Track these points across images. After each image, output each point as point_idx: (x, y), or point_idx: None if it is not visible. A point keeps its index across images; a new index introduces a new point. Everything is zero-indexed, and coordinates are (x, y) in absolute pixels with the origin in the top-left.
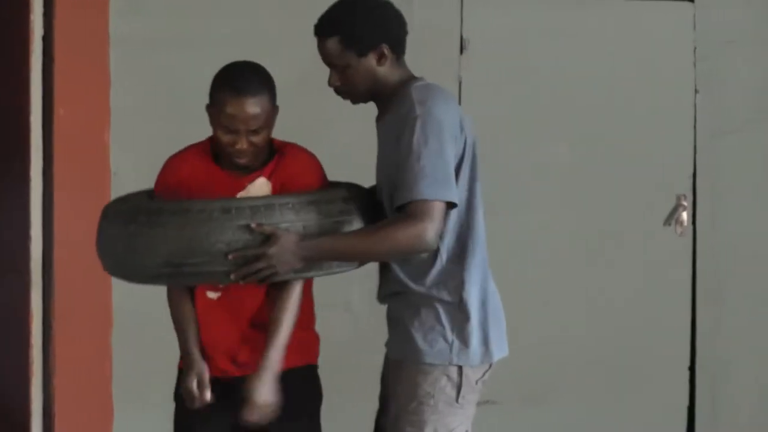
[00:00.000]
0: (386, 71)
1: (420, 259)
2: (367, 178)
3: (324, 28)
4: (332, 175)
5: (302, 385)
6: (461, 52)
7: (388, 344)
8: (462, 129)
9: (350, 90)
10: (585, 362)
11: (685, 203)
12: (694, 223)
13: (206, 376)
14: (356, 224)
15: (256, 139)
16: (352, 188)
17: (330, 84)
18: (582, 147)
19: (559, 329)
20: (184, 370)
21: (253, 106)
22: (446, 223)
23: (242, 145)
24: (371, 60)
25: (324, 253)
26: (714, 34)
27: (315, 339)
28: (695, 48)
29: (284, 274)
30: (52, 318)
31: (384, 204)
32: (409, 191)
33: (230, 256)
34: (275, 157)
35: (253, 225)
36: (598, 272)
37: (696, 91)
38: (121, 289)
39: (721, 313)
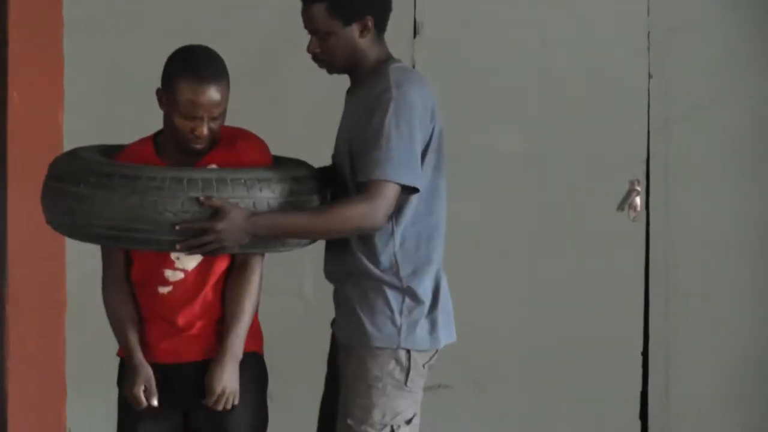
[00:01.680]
0: (366, 45)
1: (374, 242)
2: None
3: None
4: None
5: (247, 371)
6: (414, 35)
7: (335, 325)
8: (433, 117)
9: (328, 59)
10: (538, 347)
11: (638, 188)
12: (647, 208)
13: (153, 381)
14: (306, 203)
15: (214, 125)
16: (303, 167)
17: (309, 50)
18: (535, 132)
19: (512, 314)
20: (128, 375)
21: (216, 93)
22: (406, 208)
23: (202, 131)
24: (354, 30)
25: (273, 229)
26: (667, 19)
27: (258, 325)
28: (649, 33)
29: (231, 249)
30: (6, 300)
31: (340, 176)
32: (371, 170)
33: (177, 227)
34: (222, 142)
35: (201, 198)
36: (551, 257)
37: (650, 77)
38: (74, 270)
39: (673, 298)
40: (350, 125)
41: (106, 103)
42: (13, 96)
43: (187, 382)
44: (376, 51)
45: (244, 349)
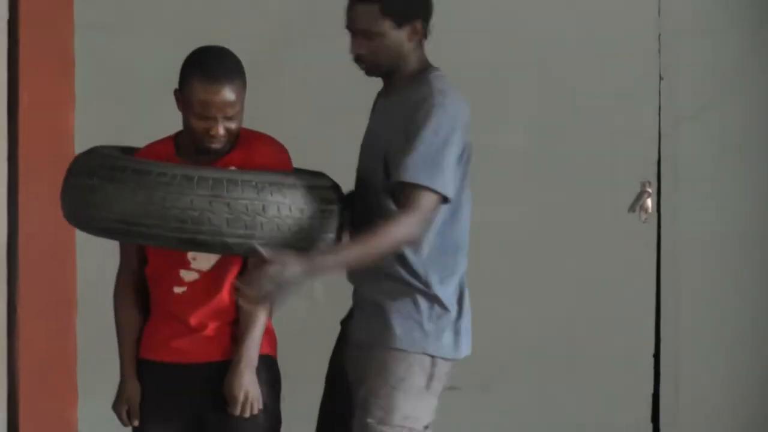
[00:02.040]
0: (411, 50)
1: (405, 249)
2: (316, 165)
3: None
4: None
5: (261, 374)
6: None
7: (352, 324)
8: (467, 130)
9: (373, 60)
10: (547, 349)
11: (649, 190)
12: (658, 209)
13: (136, 402)
14: (319, 211)
15: (231, 125)
16: (321, 177)
17: (352, 51)
18: (546, 134)
19: (521, 315)
20: (118, 389)
21: (229, 93)
22: (436, 216)
23: (217, 131)
24: (404, 34)
25: (333, 268)
26: (678, 21)
27: (272, 329)
28: (659, 35)
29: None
30: (17, 302)
31: (365, 178)
32: (406, 171)
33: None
34: (241, 145)
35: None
36: (562, 259)
37: (660, 78)
38: (85, 271)
39: (685, 300)
40: (386, 131)
41: (117, 104)
42: (24, 97)
43: (199, 383)
44: (417, 57)
45: (269, 351)
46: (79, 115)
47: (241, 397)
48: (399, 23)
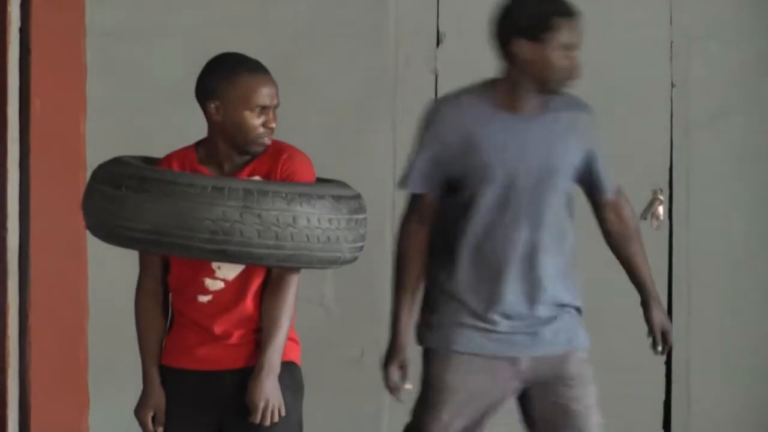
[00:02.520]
0: None
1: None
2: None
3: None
4: None
5: (284, 381)
6: (438, 45)
7: (547, 339)
8: None
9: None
10: None
11: (661, 197)
12: (670, 217)
13: (163, 408)
14: (345, 222)
15: (275, 119)
16: (345, 187)
17: (579, 65)
18: None
19: None
20: (141, 396)
21: (273, 84)
22: None
23: (272, 122)
24: None
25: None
26: (690, 28)
27: (295, 336)
28: (671, 42)
29: None
30: (29, 308)
31: (534, 192)
32: (612, 180)
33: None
34: (266, 154)
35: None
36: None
37: (672, 86)
38: (96, 278)
39: (696, 307)
40: (555, 143)
41: (128, 111)
42: (36, 104)
43: (223, 390)
44: None
45: (285, 359)
46: (91, 121)
47: (261, 405)
48: None
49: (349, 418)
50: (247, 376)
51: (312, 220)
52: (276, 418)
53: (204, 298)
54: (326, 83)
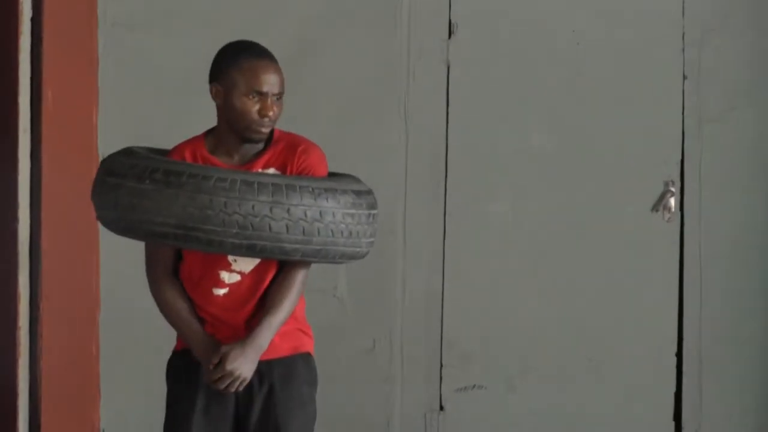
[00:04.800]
0: None
1: None
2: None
3: None
4: None
5: (302, 372)
6: (449, 36)
7: None
8: None
9: None
10: (570, 348)
11: (673, 189)
12: (681, 209)
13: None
14: (362, 217)
15: (277, 107)
16: (359, 182)
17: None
18: (569, 133)
19: (545, 315)
20: (203, 360)
21: (277, 71)
22: None
23: (268, 110)
24: None
25: None
26: (702, 20)
27: (309, 327)
28: (683, 34)
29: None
30: (40, 300)
31: None
32: None
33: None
34: (276, 144)
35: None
36: (586, 258)
37: (684, 78)
38: (108, 270)
39: (708, 299)
40: None
41: (141, 101)
42: (48, 95)
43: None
44: None
45: (301, 350)
46: (103, 112)
47: (228, 369)
48: None
49: (361, 408)
50: (264, 367)
51: (337, 215)
52: (231, 390)
53: (220, 291)
54: (338, 74)
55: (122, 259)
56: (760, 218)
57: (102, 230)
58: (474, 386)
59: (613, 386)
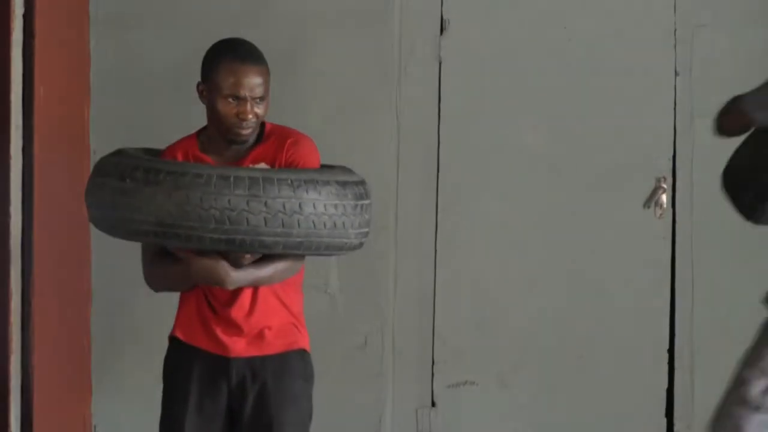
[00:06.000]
0: None
1: None
2: (334, 160)
3: None
4: None
5: (298, 368)
6: (441, 32)
7: None
8: None
9: None
10: (562, 344)
11: (664, 186)
12: (673, 205)
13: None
14: (347, 208)
15: (259, 109)
16: (349, 172)
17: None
18: (561, 129)
19: (536, 311)
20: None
21: (258, 74)
22: None
23: (247, 114)
24: None
25: None
26: (694, 16)
27: (304, 325)
28: (675, 30)
29: None
30: (32, 296)
31: None
32: None
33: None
34: (269, 139)
35: None
36: (578, 255)
37: (676, 74)
38: (100, 266)
39: (700, 296)
40: None
41: (133, 98)
42: (40, 91)
43: (238, 375)
44: None
45: (295, 346)
46: (95, 109)
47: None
48: None
49: (352, 404)
50: (256, 365)
51: (318, 207)
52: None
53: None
54: (330, 70)
55: (114, 256)
56: None
57: (93, 227)
58: (466, 382)
59: (605, 382)
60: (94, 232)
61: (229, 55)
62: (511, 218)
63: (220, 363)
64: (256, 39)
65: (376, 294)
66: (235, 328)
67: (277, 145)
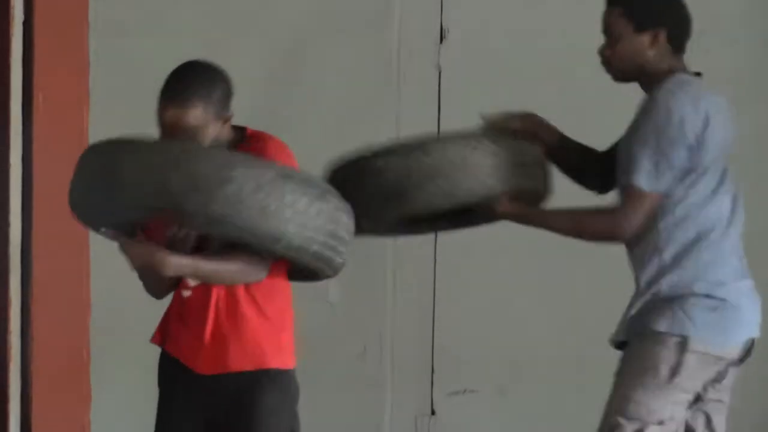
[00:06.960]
0: (657, 58)
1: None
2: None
3: None
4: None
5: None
6: (441, 41)
7: None
8: (705, 128)
9: (615, 64)
10: (561, 352)
11: None
12: None
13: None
14: (293, 200)
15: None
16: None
17: (599, 52)
18: None
19: (535, 318)
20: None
21: (175, 115)
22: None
23: None
24: (644, 40)
25: (533, 222)
26: (693, 22)
27: (291, 341)
28: None
29: None
30: (31, 303)
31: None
32: (624, 175)
33: None
34: (246, 144)
35: None
36: (574, 261)
37: None
38: (99, 272)
39: None
40: (624, 135)
41: (131, 104)
42: (39, 97)
43: (219, 391)
44: (667, 65)
45: (274, 366)
46: (94, 115)
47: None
48: (639, 29)
49: (352, 413)
50: (232, 380)
51: (247, 186)
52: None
53: (186, 293)
54: (329, 78)
55: (113, 263)
56: (750, 216)
57: (92, 233)
58: (465, 390)
59: (605, 390)
60: (93, 240)
61: (163, 87)
62: (507, 226)
63: (192, 376)
64: (255, 47)
65: (374, 303)
66: (197, 341)
67: (246, 149)
